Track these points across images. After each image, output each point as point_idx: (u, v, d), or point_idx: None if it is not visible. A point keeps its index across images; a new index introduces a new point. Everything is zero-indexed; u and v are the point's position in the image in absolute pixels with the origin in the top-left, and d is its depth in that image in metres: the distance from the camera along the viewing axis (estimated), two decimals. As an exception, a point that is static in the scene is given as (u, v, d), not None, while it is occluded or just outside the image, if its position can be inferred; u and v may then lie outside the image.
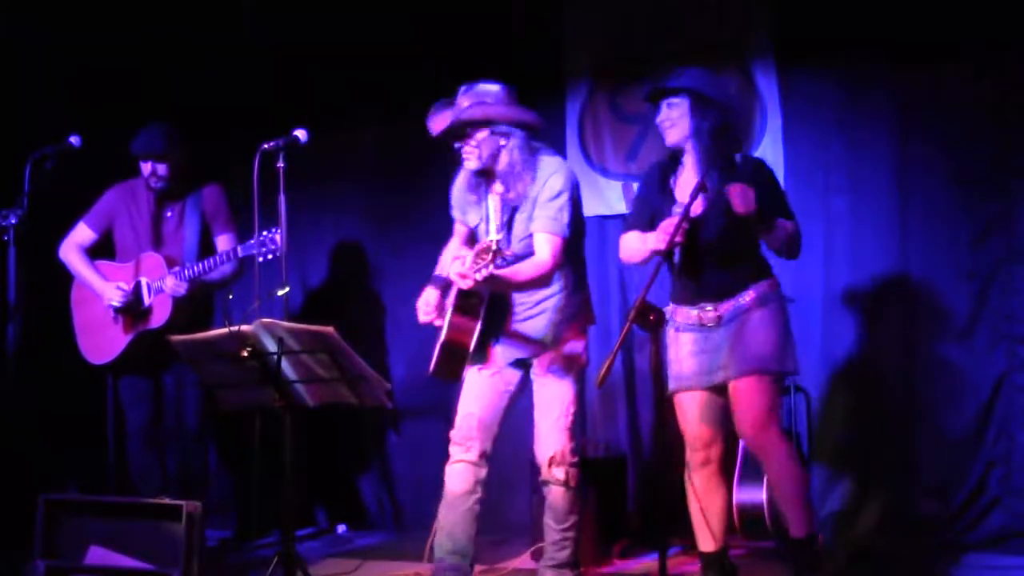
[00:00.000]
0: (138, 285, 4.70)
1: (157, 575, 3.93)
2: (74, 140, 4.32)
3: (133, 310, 4.69)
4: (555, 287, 3.81)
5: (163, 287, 4.61)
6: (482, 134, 3.74)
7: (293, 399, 3.41)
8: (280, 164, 3.95)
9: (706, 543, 3.74)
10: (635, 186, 5.36)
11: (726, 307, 3.61)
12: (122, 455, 4.99)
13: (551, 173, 3.75)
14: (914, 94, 4.79)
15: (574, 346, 3.87)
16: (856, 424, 4.80)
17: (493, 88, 3.84)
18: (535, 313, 3.84)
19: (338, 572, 4.46)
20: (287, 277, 4.05)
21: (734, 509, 4.53)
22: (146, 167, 4.75)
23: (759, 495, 4.44)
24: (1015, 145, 4.63)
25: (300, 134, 4.06)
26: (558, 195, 3.70)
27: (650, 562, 4.50)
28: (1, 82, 5.11)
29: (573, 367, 3.88)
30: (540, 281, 3.70)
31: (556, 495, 3.85)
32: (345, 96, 5.76)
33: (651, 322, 3.24)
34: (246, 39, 5.84)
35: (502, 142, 3.74)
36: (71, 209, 4.96)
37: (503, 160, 3.75)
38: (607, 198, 5.43)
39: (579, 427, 4.23)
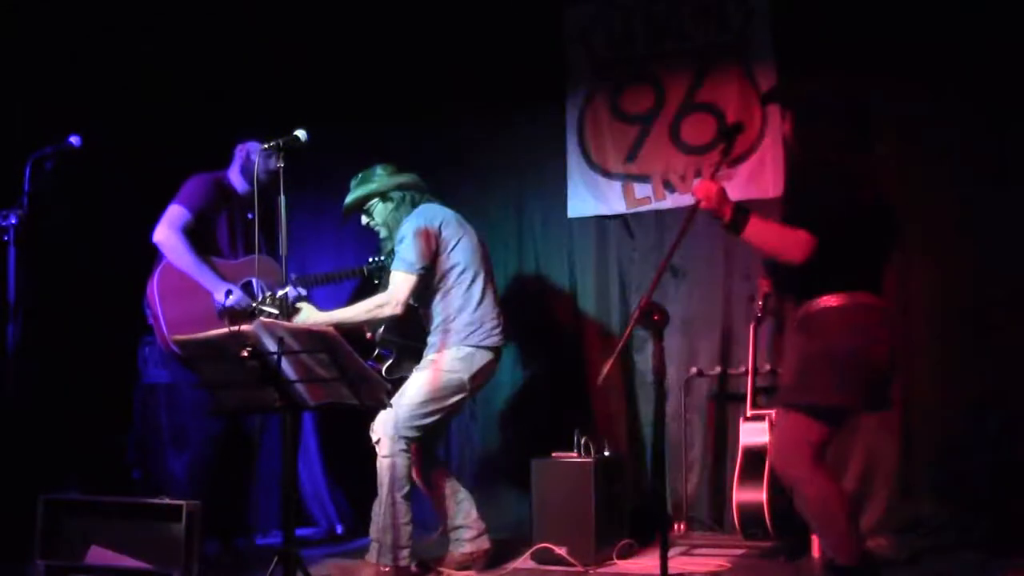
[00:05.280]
0: (249, 284, 4.56)
1: (157, 575, 3.93)
2: (74, 140, 4.29)
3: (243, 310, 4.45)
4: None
5: (280, 290, 4.08)
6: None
7: (293, 399, 3.41)
8: (280, 164, 3.94)
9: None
10: (635, 186, 5.38)
11: (800, 312, 3.30)
12: (145, 456, 4.87)
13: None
14: (914, 94, 4.79)
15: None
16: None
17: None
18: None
19: (338, 572, 4.46)
20: (287, 277, 4.04)
21: (734, 509, 4.53)
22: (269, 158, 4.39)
23: (759, 495, 4.43)
24: (1015, 145, 4.63)
25: (300, 134, 4.03)
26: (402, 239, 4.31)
27: (650, 562, 4.49)
28: (1, 82, 5.10)
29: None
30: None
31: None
32: (344, 95, 5.76)
33: (655, 322, 3.22)
34: (244, 38, 5.84)
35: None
36: (71, 209, 4.94)
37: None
38: (607, 198, 5.42)
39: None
